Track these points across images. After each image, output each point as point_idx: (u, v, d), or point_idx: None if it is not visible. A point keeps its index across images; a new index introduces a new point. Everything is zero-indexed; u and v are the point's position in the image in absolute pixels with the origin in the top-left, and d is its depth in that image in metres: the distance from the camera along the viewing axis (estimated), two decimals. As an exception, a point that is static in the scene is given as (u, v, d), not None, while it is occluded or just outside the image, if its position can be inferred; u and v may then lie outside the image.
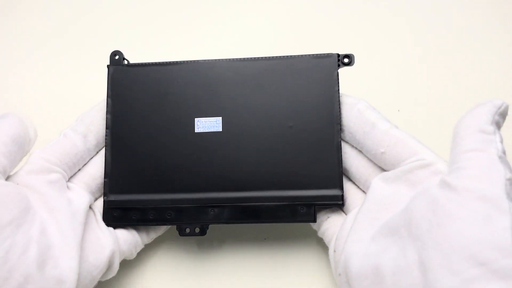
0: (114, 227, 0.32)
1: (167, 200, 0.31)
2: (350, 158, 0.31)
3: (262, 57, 0.33)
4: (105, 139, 0.32)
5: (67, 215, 0.28)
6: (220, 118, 0.32)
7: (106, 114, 0.33)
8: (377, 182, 0.29)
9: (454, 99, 0.40)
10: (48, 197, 0.29)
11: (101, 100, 0.34)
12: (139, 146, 0.32)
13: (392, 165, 0.29)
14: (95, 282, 0.30)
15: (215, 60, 0.33)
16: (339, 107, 0.31)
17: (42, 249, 0.27)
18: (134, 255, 0.32)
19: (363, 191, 0.31)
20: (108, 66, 0.34)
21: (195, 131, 0.32)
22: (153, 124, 0.32)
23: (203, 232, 0.31)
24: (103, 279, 0.31)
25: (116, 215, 0.31)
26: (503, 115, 0.26)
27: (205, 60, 0.33)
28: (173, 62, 0.33)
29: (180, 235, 0.31)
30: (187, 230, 0.31)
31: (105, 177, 0.32)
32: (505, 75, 0.40)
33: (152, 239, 0.33)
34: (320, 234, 0.32)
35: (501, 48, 0.41)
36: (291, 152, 0.31)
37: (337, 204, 0.30)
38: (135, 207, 0.31)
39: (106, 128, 0.32)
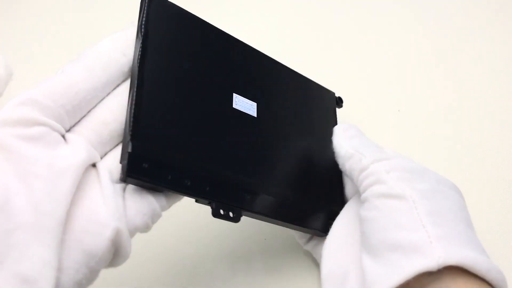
0: (141, 185, 0.23)
1: (207, 170, 0.25)
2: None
3: (287, 67, 0.33)
4: (134, 74, 0.25)
5: (47, 182, 0.20)
6: (255, 104, 0.30)
7: (140, 46, 0.25)
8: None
9: (455, 99, 0.40)
10: (21, 158, 0.20)
11: (113, 31, 0.26)
12: (176, 97, 0.26)
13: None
14: (97, 274, 0.22)
15: (253, 48, 0.31)
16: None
17: (1, 236, 0.19)
18: (151, 227, 0.24)
19: None
20: None
21: (233, 106, 0.28)
22: (192, 79, 0.27)
23: (237, 219, 0.26)
24: (114, 266, 0.23)
25: (146, 168, 0.23)
26: None
27: (246, 44, 0.31)
28: (217, 28, 0.30)
29: (213, 215, 0.25)
30: (222, 212, 0.25)
31: (131, 116, 0.23)
32: (505, 75, 0.41)
33: (171, 206, 0.25)
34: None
35: (501, 48, 0.42)
36: (313, 166, 0.31)
37: None
38: (171, 165, 0.24)
39: (138, 61, 0.25)
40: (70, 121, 0.23)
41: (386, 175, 0.25)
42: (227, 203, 0.25)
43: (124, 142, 0.23)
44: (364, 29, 0.44)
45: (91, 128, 0.23)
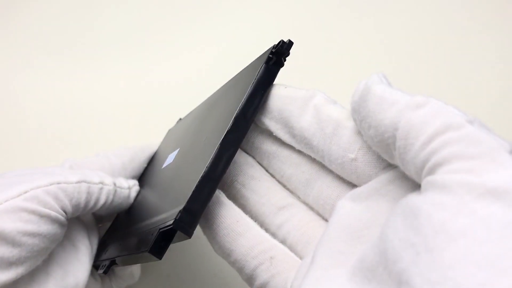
0: None
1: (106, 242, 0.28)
2: (310, 177, 0.22)
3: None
4: None
5: None
6: (178, 149, 0.27)
7: None
8: (344, 203, 0.19)
9: (456, 100, 0.40)
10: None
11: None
12: None
13: (367, 175, 0.20)
14: None
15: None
16: (246, 100, 0.22)
17: None
18: None
19: None
20: None
21: (162, 167, 0.29)
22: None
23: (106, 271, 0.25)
24: None
25: None
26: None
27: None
28: None
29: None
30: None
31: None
32: (505, 75, 0.40)
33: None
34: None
35: (501, 48, 0.41)
36: (175, 174, 0.24)
37: (171, 226, 0.19)
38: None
39: None
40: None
41: (508, 155, 0.14)
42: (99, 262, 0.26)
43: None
44: (364, 29, 0.43)
45: None
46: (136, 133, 0.39)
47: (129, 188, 0.27)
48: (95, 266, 0.27)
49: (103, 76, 0.43)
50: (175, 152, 0.27)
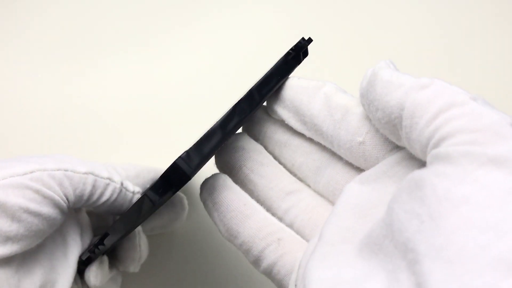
0: None
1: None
2: (321, 164, 0.23)
3: None
4: None
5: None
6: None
7: None
8: (352, 185, 0.21)
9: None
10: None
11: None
12: None
13: (375, 158, 0.21)
14: None
15: None
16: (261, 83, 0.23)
17: None
18: None
19: None
20: None
21: None
22: None
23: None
24: None
25: None
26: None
27: None
28: None
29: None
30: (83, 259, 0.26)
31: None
32: (507, 73, 0.40)
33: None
34: (264, 269, 0.21)
35: (504, 46, 0.41)
36: None
37: (173, 163, 0.20)
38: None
39: None
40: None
41: (509, 128, 0.15)
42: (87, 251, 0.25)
43: None
44: (365, 25, 0.43)
45: None
46: (137, 133, 0.39)
47: (133, 193, 0.26)
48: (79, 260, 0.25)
49: (104, 76, 0.42)
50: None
